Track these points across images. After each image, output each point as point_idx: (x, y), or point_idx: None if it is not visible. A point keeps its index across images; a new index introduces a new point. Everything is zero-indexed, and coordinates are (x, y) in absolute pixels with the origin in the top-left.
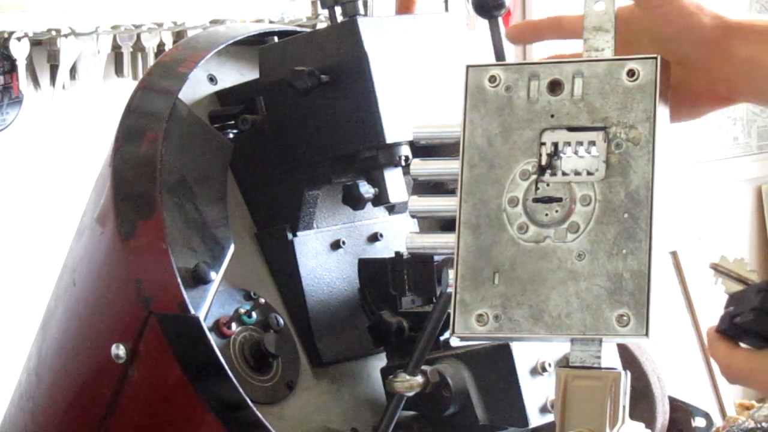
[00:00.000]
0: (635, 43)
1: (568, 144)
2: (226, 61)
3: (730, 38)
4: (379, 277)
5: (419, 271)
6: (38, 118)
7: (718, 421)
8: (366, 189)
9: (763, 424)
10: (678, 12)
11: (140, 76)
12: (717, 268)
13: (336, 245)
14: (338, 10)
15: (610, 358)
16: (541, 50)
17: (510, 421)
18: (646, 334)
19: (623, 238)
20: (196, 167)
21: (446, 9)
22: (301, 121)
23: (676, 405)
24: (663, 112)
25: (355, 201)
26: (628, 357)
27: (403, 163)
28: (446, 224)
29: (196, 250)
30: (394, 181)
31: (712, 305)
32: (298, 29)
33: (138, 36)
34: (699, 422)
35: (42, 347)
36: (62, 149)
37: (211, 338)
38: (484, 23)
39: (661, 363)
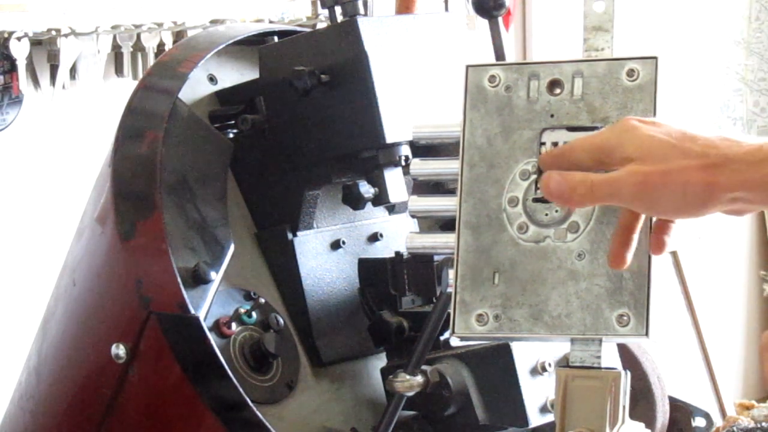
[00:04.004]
0: None
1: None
2: (226, 61)
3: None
4: (379, 277)
5: (419, 271)
6: (38, 118)
7: (718, 421)
8: (366, 189)
9: (763, 423)
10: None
11: (140, 76)
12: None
13: (336, 245)
14: (338, 10)
15: (610, 357)
16: (541, 51)
17: (510, 421)
18: (646, 334)
19: None
20: (196, 167)
21: (446, 9)
22: (301, 121)
23: (676, 405)
24: (663, 111)
25: (355, 201)
26: (628, 357)
27: (403, 163)
28: (446, 224)
29: (196, 250)
30: (394, 181)
31: (712, 305)
32: (298, 29)
33: (138, 36)
34: (699, 422)
35: (42, 347)
36: (62, 149)
37: (211, 338)
38: (484, 23)
39: (661, 363)
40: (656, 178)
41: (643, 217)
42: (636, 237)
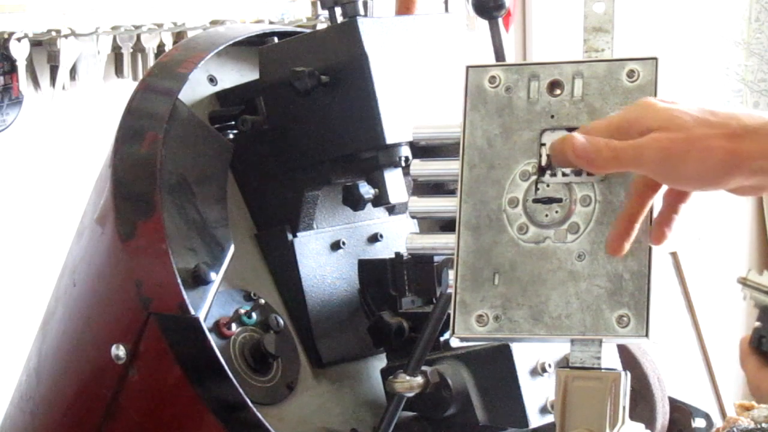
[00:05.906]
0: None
1: None
2: (226, 61)
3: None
4: (379, 277)
5: (419, 272)
6: (38, 118)
7: (718, 422)
8: (366, 190)
9: (763, 424)
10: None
11: (140, 76)
12: (746, 283)
13: (336, 246)
14: (338, 10)
15: (610, 358)
16: (541, 52)
17: (510, 422)
18: (646, 335)
19: None
20: (196, 168)
21: (446, 9)
22: (301, 121)
23: (676, 405)
24: None
25: (355, 202)
26: (628, 358)
27: (403, 164)
28: (446, 225)
29: (196, 251)
30: (394, 182)
31: (712, 305)
32: (298, 30)
33: (138, 37)
34: (699, 423)
35: (42, 347)
36: (62, 150)
37: (211, 339)
38: (484, 24)
39: (661, 364)
40: (680, 144)
41: (647, 208)
42: (637, 227)
